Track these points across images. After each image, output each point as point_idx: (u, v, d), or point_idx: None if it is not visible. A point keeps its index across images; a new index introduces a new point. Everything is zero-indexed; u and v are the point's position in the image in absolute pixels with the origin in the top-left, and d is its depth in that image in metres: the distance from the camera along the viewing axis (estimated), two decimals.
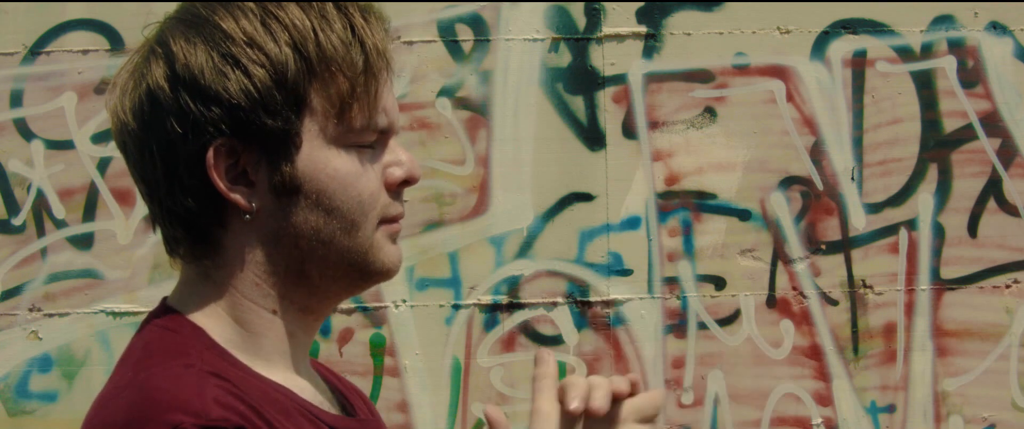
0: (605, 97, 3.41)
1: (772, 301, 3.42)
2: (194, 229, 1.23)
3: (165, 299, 1.29)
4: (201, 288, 1.25)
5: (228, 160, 1.20)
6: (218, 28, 1.20)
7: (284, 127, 1.20)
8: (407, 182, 1.28)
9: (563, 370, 3.41)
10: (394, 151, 1.27)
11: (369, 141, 1.25)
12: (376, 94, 1.23)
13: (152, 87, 1.20)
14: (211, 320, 1.23)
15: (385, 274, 1.27)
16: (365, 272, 1.26)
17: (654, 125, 3.42)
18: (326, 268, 1.24)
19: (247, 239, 1.23)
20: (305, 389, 1.26)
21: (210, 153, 1.18)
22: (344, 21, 1.22)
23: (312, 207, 1.22)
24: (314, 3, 1.21)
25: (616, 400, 1.22)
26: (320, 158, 1.21)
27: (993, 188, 3.44)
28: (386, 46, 1.24)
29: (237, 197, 1.21)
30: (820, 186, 3.43)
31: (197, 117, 1.18)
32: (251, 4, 1.21)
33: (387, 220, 1.27)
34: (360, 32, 1.22)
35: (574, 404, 1.19)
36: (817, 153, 3.43)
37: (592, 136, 3.41)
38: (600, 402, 1.19)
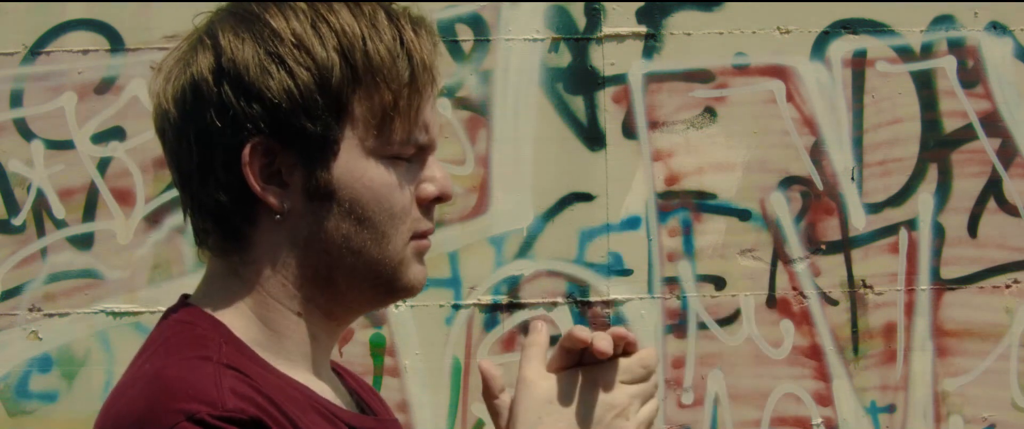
0: (605, 97, 3.40)
1: (772, 301, 3.42)
2: (224, 223, 1.22)
3: (185, 295, 1.28)
4: (227, 283, 1.24)
5: (264, 159, 1.20)
6: (268, 26, 1.19)
7: (323, 133, 1.19)
8: (439, 199, 1.27)
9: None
10: (430, 167, 1.27)
11: (407, 155, 1.24)
12: (418, 109, 1.22)
13: (196, 77, 1.19)
14: (235, 316, 1.23)
15: (409, 291, 1.27)
16: (390, 287, 1.26)
17: (654, 125, 3.42)
18: (354, 278, 1.24)
19: (277, 239, 1.23)
20: (325, 391, 1.26)
21: (247, 150, 1.18)
22: (394, 32, 1.21)
23: (344, 215, 1.21)
24: (366, 9, 1.20)
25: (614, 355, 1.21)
26: (357, 168, 1.21)
27: (993, 188, 3.44)
28: (434, 61, 1.23)
29: (270, 197, 1.20)
30: (820, 186, 3.43)
31: (237, 112, 1.18)
32: (303, 5, 1.20)
33: (417, 236, 1.26)
34: (409, 44, 1.21)
35: (584, 335, 1.18)
36: (817, 153, 3.43)
37: (592, 136, 3.40)
38: (603, 344, 1.18)
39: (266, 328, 1.23)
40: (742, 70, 3.42)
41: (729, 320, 3.42)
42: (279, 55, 1.18)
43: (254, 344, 1.22)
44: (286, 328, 1.24)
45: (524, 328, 3.40)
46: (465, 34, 3.40)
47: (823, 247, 3.43)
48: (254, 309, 1.23)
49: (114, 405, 1.16)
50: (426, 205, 1.27)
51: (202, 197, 1.22)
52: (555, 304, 3.40)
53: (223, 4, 1.25)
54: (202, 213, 1.23)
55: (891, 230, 3.44)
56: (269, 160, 1.20)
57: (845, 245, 3.43)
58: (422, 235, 1.27)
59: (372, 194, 1.21)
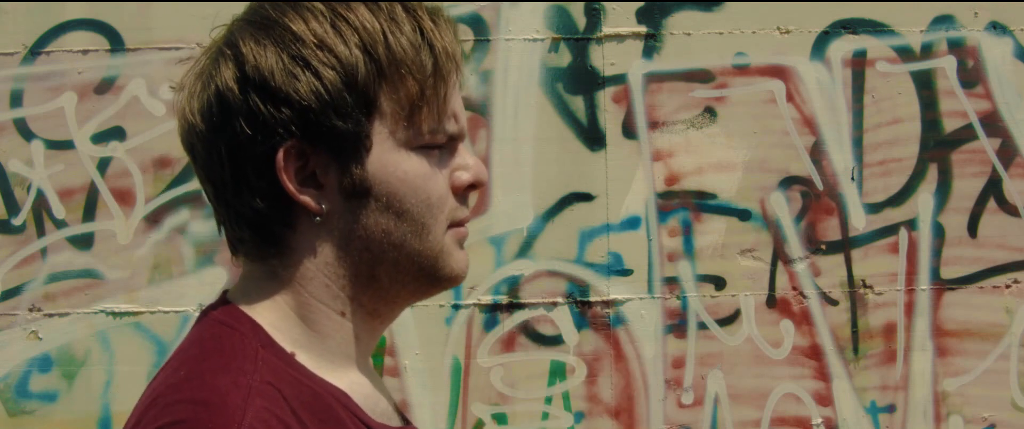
0: (605, 97, 3.41)
1: (772, 301, 3.42)
2: (261, 230, 1.23)
3: (226, 291, 1.28)
4: (267, 285, 1.24)
5: (297, 162, 1.20)
6: (288, 30, 1.19)
7: (354, 129, 1.19)
8: (474, 186, 1.28)
9: (562, 370, 3.41)
10: (462, 155, 1.28)
11: (438, 143, 1.25)
12: (445, 97, 1.23)
13: (221, 89, 1.20)
14: (276, 316, 1.23)
15: (453, 280, 1.28)
16: (434, 277, 1.26)
17: (654, 125, 3.42)
18: (397, 272, 1.25)
19: (317, 240, 1.23)
20: (365, 392, 1.26)
21: (280, 155, 1.18)
22: (413, 23, 1.21)
23: (382, 210, 1.22)
24: (383, 5, 1.21)
25: None
26: (390, 161, 1.21)
27: (993, 188, 3.44)
28: (455, 49, 1.24)
29: (307, 199, 1.21)
30: (820, 186, 3.43)
31: (267, 119, 1.18)
32: (320, 5, 1.20)
33: (454, 224, 1.27)
34: (429, 34, 1.22)
35: None
36: (817, 153, 3.43)
37: (592, 136, 3.41)
38: None
39: (309, 329, 1.23)
40: (742, 70, 3.42)
41: (729, 320, 3.42)
42: (303, 57, 1.18)
43: (295, 345, 1.22)
44: (330, 329, 1.24)
45: (524, 328, 3.40)
46: (465, 34, 3.40)
47: (823, 247, 3.43)
48: (296, 310, 1.23)
49: (145, 413, 1.14)
50: (461, 193, 1.28)
51: (238, 207, 1.22)
52: (555, 304, 3.40)
53: (237, 14, 1.26)
54: (239, 223, 1.23)
55: (891, 230, 3.44)
56: (303, 163, 1.20)
57: (845, 245, 3.43)
58: (460, 223, 1.28)
59: (408, 186, 1.22)
